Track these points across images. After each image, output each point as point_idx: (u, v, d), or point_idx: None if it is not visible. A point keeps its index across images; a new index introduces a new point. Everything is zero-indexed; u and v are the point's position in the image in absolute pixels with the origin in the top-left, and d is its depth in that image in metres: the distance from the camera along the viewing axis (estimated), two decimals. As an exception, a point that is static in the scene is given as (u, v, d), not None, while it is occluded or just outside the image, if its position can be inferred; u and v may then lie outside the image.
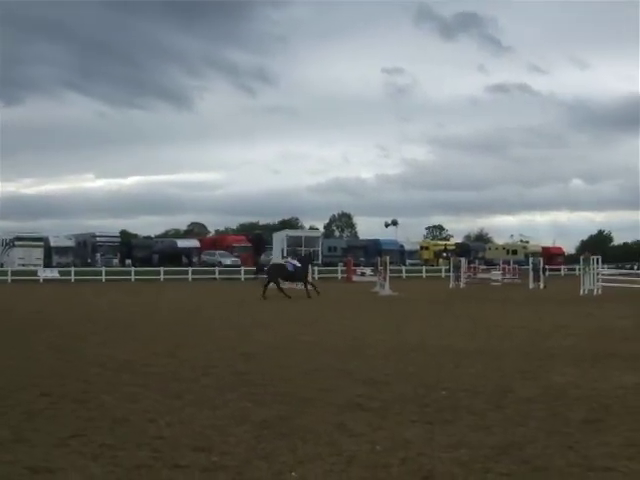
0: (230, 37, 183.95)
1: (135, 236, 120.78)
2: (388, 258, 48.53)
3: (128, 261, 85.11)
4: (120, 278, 68.48)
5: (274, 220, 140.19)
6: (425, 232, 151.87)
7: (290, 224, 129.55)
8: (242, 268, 74.83)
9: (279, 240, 72.61)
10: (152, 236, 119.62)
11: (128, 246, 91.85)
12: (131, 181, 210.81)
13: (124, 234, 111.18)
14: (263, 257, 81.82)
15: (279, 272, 40.76)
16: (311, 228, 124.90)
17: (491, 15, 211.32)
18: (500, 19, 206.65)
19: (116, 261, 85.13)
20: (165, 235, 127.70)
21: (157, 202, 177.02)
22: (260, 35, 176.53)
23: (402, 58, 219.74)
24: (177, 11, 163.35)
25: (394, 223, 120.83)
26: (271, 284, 39.00)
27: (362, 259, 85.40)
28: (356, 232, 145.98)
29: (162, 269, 73.13)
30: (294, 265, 41.10)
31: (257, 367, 13.93)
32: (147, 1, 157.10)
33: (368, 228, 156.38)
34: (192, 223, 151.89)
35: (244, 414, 9.67)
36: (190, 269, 74.88)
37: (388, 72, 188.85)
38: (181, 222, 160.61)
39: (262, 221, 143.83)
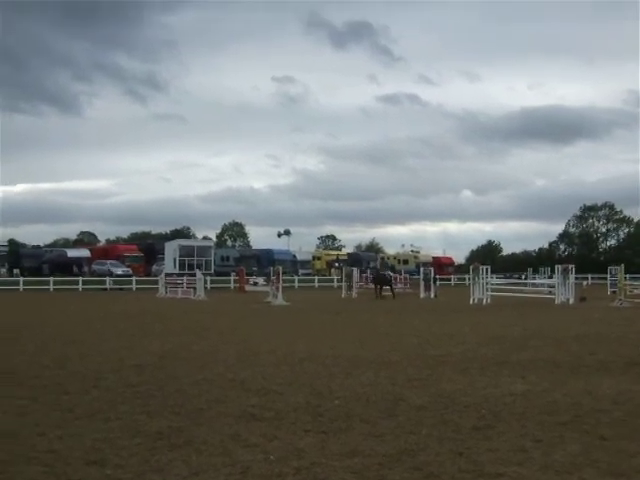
0: (119, 42, 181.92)
1: (24, 245, 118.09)
2: (281, 268, 48.55)
3: (16, 271, 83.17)
4: (8, 288, 66.91)
5: (166, 229, 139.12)
6: (317, 242, 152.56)
7: (182, 233, 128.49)
8: (133, 278, 73.92)
9: (171, 250, 72.07)
10: (41, 245, 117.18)
11: (16, 255, 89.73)
12: (19, 189, 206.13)
13: (12, 243, 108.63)
14: (155, 267, 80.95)
15: (382, 280, 53.84)
16: (203, 238, 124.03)
17: (384, 24, 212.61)
18: (393, 29, 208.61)
19: (4, 271, 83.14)
20: (55, 244, 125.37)
21: (46, 211, 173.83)
22: (150, 40, 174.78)
23: (293, 67, 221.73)
24: (65, 13, 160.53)
25: (286, 233, 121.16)
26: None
27: (255, 269, 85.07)
28: (249, 242, 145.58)
29: (52, 279, 71.68)
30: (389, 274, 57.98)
31: (149, 378, 13.81)
32: (34, 1, 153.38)
33: (261, 238, 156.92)
34: (82, 232, 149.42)
35: (137, 426, 9.59)
36: (80, 279, 73.55)
37: (279, 81, 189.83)
38: (71, 231, 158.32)
39: (154, 230, 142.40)
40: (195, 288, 52.05)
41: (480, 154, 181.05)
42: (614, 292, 46.72)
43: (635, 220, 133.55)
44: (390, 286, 54.31)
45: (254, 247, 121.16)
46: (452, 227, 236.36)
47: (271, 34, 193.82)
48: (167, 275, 60.61)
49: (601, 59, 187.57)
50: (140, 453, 8.31)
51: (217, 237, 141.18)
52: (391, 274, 59.65)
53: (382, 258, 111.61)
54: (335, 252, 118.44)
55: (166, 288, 56.03)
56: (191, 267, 68.18)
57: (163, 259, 75.47)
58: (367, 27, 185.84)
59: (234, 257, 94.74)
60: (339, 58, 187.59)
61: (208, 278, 65.49)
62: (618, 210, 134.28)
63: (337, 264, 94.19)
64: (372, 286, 54.82)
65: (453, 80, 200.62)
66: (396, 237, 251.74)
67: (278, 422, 9.85)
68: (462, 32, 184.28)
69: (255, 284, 66.23)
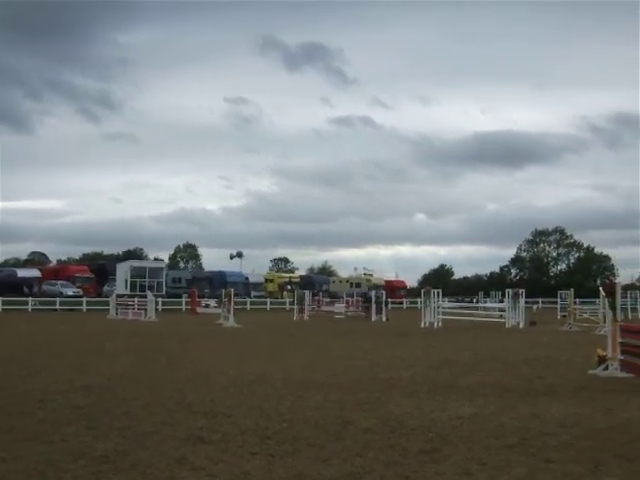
0: (72, 60, 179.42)
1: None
2: (233, 290, 48.41)
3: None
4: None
5: (118, 250, 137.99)
6: (270, 264, 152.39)
7: (134, 254, 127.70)
8: (84, 299, 73.27)
9: (123, 271, 71.63)
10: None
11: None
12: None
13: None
14: (106, 288, 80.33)
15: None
16: (155, 259, 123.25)
17: (338, 47, 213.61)
18: (347, 51, 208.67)
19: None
20: (5, 264, 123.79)
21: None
22: (104, 59, 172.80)
23: (246, 88, 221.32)
24: (16, 30, 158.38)
25: (239, 255, 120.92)
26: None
27: (207, 291, 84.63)
28: (201, 263, 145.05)
29: (0, 299, 70.81)
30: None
31: (96, 400, 13.67)
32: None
33: (213, 260, 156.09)
34: (32, 252, 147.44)
35: (82, 448, 9.48)
36: (30, 299, 72.72)
37: (232, 102, 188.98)
38: (21, 251, 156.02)
39: (106, 251, 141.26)
40: (146, 309, 51.73)
41: (434, 178, 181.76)
42: (564, 316, 47.19)
43: (585, 245, 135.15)
44: (385, 306, 55.64)
45: (206, 269, 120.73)
46: (405, 250, 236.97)
47: (225, 55, 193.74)
48: (118, 296, 60.13)
49: (552, 85, 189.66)
50: (84, 476, 8.20)
51: (170, 258, 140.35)
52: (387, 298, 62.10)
53: (334, 281, 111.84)
54: (288, 275, 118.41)
55: (117, 309, 55.58)
56: (142, 288, 67.85)
57: (114, 280, 74.94)
58: (321, 49, 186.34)
59: (186, 279, 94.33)
60: (292, 79, 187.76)
61: (159, 300, 65.14)
62: (568, 235, 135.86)
63: (289, 287, 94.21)
64: (325, 309, 54.88)
65: (407, 103, 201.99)
66: (349, 260, 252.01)
67: (225, 445, 9.79)
68: (416, 55, 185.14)
69: (207, 306, 65.88)
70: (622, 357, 17.79)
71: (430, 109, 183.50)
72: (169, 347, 26.89)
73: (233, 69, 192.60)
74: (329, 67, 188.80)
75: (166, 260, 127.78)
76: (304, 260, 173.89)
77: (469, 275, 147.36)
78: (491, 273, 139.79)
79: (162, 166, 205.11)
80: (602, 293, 24.13)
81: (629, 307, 55.85)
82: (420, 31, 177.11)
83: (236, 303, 49.33)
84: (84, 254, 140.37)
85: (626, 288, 71.28)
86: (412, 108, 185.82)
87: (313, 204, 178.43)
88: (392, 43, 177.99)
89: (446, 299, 54.67)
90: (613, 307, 18.63)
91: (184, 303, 72.23)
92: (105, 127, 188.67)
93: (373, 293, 57.50)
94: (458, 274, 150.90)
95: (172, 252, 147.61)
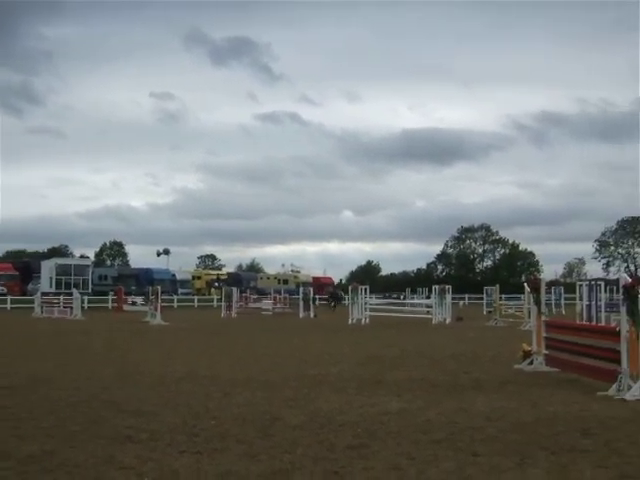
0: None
1: None
2: (160, 287, 48.09)
3: None
4: None
5: (43, 247, 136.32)
6: (197, 261, 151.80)
7: (60, 252, 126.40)
8: (8, 297, 72.10)
9: (48, 268, 70.79)
10: None
11: None
12: None
13: None
14: (31, 286, 79.18)
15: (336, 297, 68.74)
16: (81, 256, 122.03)
17: (265, 41, 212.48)
18: (274, 46, 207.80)
19: None
20: None
21: None
22: (27, 52, 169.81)
23: (172, 83, 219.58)
24: None
25: (166, 252, 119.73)
26: None
27: (133, 288, 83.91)
28: (128, 261, 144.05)
29: None
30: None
31: (22, 400, 13.45)
32: None
33: (140, 257, 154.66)
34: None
35: (7, 450, 9.32)
36: (-49, 298, 71.39)
37: (157, 97, 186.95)
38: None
39: (30, 248, 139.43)
40: (72, 307, 51.14)
41: (361, 174, 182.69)
42: (490, 312, 47.82)
43: (510, 241, 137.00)
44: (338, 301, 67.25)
45: (133, 266, 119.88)
46: (333, 247, 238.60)
47: (150, 49, 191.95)
48: (43, 294, 59.36)
49: (479, 83, 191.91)
50: (10, 477, 8.08)
51: (96, 256, 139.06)
52: (342, 293, 71.64)
53: (261, 278, 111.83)
54: (215, 272, 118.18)
55: (42, 307, 54.84)
56: (68, 286, 67.15)
57: (39, 278, 73.98)
58: (248, 44, 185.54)
59: (112, 276, 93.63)
60: (219, 75, 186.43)
61: (85, 297, 64.43)
62: (494, 232, 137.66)
63: (217, 284, 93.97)
64: (253, 306, 54.81)
65: (334, 100, 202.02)
66: (277, 257, 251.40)
67: (153, 443, 9.72)
68: (344, 52, 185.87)
69: (134, 304, 65.34)
70: (547, 352, 18.04)
71: (357, 106, 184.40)
72: (95, 345, 26.59)
73: (159, 64, 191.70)
74: (256, 62, 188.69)
75: (92, 257, 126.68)
76: (232, 257, 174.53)
77: (396, 271, 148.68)
78: (418, 269, 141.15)
79: (88, 162, 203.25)
80: (527, 289, 24.53)
81: (553, 303, 56.74)
82: (347, 28, 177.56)
83: (163, 301, 48.99)
84: (7, 251, 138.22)
85: (550, 284, 72.41)
86: (339, 105, 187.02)
87: (240, 201, 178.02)
88: (320, 39, 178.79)
89: (373, 296, 55.03)
90: (538, 302, 18.89)
91: (110, 301, 71.53)
92: (29, 121, 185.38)
93: (301, 290, 57.49)
94: (385, 270, 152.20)
95: (98, 249, 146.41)
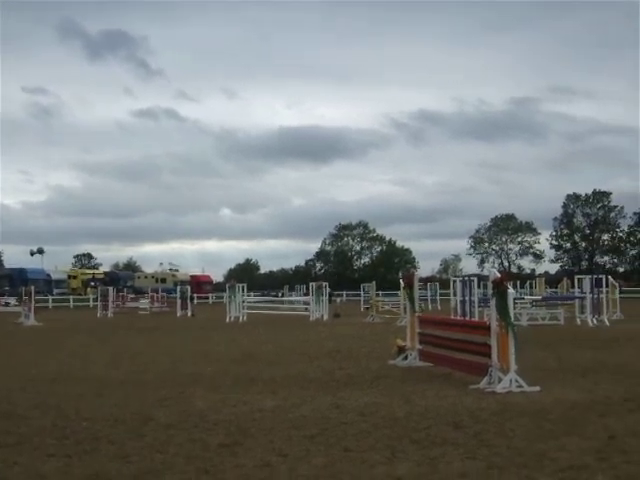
0: None
1: None
2: (34, 287, 47.08)
3: None
4: None
5: None
6: (73, 260, 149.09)
7: None
8: None
9: None
10: None
11: None
12: None
13: None
14: None
15: None
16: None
17: (142, 35, 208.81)
18: (151, 40, 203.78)
19: None
20: None
21: None
22: None
23: (45, 77, 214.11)
24: None
25: (40, 251, 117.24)
26: None
27: (7, 288, 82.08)
28: (1, 261, 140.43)
29: None
30: None
31: None
32: None
33: (13, 256, 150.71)
34: None
35: None
36: None
37: (30, 92, 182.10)
38: None
39: None
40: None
41: (239, 172, 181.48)
42: (367, 308, 48.30)
43: (387, 238, 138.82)
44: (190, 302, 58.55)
45: (6, 266, 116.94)
46: (211, 245, 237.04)
47: (22, 41, 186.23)
48: None
49: (358, 81, 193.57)
50: None
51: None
52: None
53: (139, 277, 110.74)
54: (91, 271, 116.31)
55: None
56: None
57: None
58: (124, 37, 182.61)
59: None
60: (94, 69, 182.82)
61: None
62: (372, 229, 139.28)
63: (93, 283, 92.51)
64: (130, 305, 54.12)
65: (212, 97, 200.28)
66: (155, 255, 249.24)
67: (20, 447, 9.49)
68: (222, 48, 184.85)
69: (7, 304, 63.87)
70: (420, 347, 18.31)
71: (235, 103, 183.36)
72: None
73: (31, 56, 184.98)
74: (132, 57, 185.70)
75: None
76: (108, 256, 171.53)
77: (275, 269, 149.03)
78: (297, 267, 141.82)
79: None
80: (402, 285, 24.86)
81: (429, 298, 57.68)
82: (227, 24, 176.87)
83: (37, 301, 48.09)
84: None
85: (427, 280, 73.71)
86: (217, 102, 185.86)
87: (117, 199, 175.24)
88: (198, 35, 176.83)
89: (251, 293, 55.03)
90: (411, 298, 19.15)
91: (-18, 302, 69.71)
92: None
93: (178, 288, 57.08)
94: (264, 268, 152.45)
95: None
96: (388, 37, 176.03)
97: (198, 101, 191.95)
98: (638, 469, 7.98)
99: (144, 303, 62.93)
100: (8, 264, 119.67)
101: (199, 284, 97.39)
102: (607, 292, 38.82)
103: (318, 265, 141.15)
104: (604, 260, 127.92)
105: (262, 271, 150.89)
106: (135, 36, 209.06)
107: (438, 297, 60.99)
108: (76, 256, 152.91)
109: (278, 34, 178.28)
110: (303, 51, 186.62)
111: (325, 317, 44.05)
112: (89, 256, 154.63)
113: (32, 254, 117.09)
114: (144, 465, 8.48)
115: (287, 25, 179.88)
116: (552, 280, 71.81)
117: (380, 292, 64.25)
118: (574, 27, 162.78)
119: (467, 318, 27.09)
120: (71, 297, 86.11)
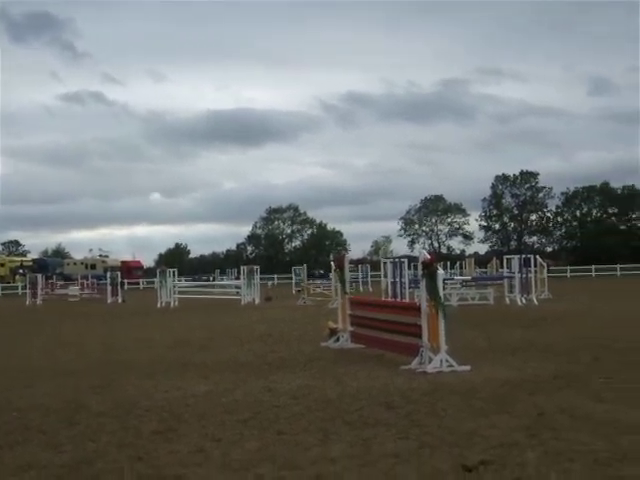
0: None
1: None
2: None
3: None
4: None
5: None
6: (0, 248, 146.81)
7: None
8: None
9: None
10: None
11: None
12: None
13: None
14: None
15: None
16: None
17: (67, 17, 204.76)
18: (77, 22, 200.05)
19: None
20: None
21: None
22: None
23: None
24: None
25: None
26: None
27: None
28: None
29: None
30: None
31: None
32: None
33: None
34: None
35: None
36: None
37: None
38: None
39: None
40: None
41: (168, 156, 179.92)
42: (299, 291, 48.41)
43: (318, 221, 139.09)
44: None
45: None
46: (141, 230, 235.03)
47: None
48: None
49: (287, 64, 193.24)
50: None
51: None
52: None
53: (68, 263, 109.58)
54: (19, 258, 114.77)
55: None
56: None
57: None
58: (48, 19, 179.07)
59: None
60: (18, 53, 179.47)
61: None
62: (302, 212, 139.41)
63: (21, 271, 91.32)
64: (60, 293, 53.49)
65: (139, 80, 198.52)
66: (84, 242, 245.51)
67: (-51, 440, 9.38)
68: (149, 31, 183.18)
69: None
70: (352, 328, 18.42)
71: (163, 86, 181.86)
72: None
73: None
74: (58, 40, 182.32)
75: None
76: (37, 243, 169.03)
77: (206, 253, 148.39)
78: (228, 251, 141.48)
79: None
80: (333, 267, 24.96)
81: (360, 280, 57.93)
82: (154, 7, 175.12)
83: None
84: None
85: (358, 262, 74.03)
86: (144, 85, 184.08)
87: (44, 185, 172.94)
88: (125, 17, 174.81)
89: (182, 278, 54.76)
90: (342, 280, 19.23)
91: None
92: None
93: (108, 274, 56.55)
94: (195, 253, 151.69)
95: None
96: (316, 19, 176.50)
97: (125, 84, 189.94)
98: (567, 445, 8.14)
99: (74, 290, 62.17)
100: None
101: (130, 270, 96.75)
102: (535, 272, 39.31)
103: (249, 249, 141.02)
104: (532, 240, 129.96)
105: (193, 255, 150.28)
106: (60, 18, 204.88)
107: (369, 279, 61.23)
108: (3, 243, 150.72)
109: (205, 17, 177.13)
110: (231, 34, 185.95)
111: (256, 301, 44.06)
112: (17, 243, 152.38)
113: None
114: (76, 454, 8.43)
115: (215, 7, 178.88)
116: (481, 260, 72.49)
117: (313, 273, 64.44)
118: (504, 9, 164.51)
119: (398, 299, 27.26)
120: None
